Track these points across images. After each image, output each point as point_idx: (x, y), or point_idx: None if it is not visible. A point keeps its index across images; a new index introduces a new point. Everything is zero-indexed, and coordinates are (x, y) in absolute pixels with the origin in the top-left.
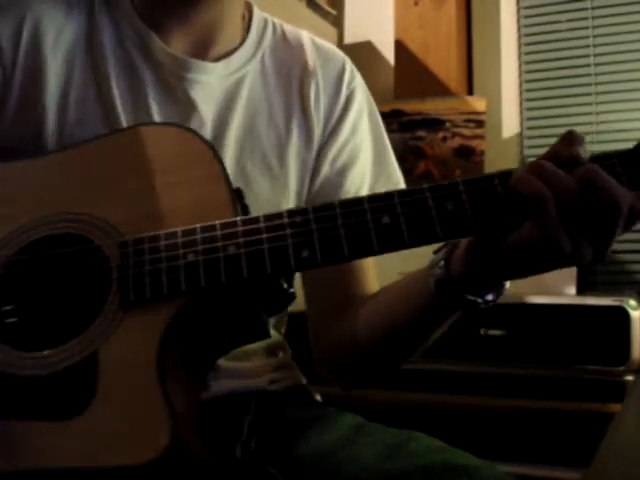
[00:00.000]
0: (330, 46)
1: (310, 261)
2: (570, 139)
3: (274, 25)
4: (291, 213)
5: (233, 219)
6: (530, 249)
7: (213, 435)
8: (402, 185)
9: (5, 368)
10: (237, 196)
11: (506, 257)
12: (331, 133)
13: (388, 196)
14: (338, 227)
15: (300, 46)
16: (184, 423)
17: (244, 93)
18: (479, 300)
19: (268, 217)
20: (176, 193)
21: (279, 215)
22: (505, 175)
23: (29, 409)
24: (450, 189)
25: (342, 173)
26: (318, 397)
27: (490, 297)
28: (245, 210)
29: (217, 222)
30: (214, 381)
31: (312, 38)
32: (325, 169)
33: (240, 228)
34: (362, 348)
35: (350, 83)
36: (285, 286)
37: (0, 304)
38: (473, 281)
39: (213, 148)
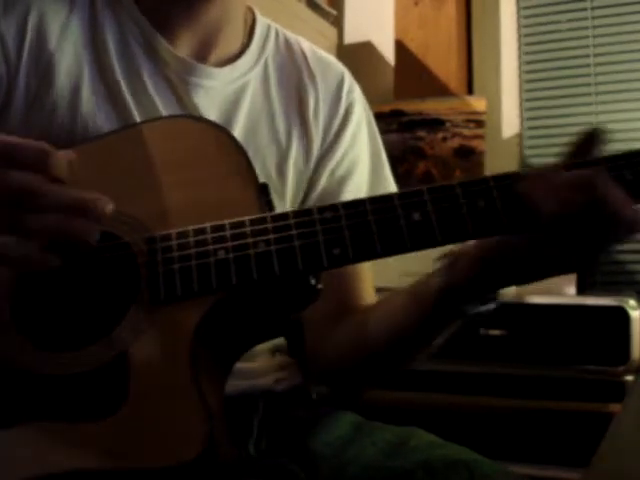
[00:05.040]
0: (329, 56)
1: (342, 258)
2: (588, 139)
3: (276, 31)
4: (321, 209)
5: (262, 215)
6: (530, 257)
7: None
8: None
9: (34, 369)
10: (263, 191)
11: (508, 263)
12: (330, 145)
13: (418, 193)
14: (370, 223)
15: (301, 55)
16: (217, 421)
17: (246, 100)
18: (474, 310)
19: (297, 213)
20: (202, 187)
21: (309, 211)
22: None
23: (59, 410)
24: (481, 185)
25: (340, 184)
26: (314, 395)
27: (484, 307)
28: (270, 205)
29: (246, 218)
30: None
31: (312, 47)
32: (324, 180)
33: (270, 224)
34: (369, 352)
35: (349, 95)
36: (313, 282)
37: (26, 302)
38: (476, 288)
39: (239, 143)
